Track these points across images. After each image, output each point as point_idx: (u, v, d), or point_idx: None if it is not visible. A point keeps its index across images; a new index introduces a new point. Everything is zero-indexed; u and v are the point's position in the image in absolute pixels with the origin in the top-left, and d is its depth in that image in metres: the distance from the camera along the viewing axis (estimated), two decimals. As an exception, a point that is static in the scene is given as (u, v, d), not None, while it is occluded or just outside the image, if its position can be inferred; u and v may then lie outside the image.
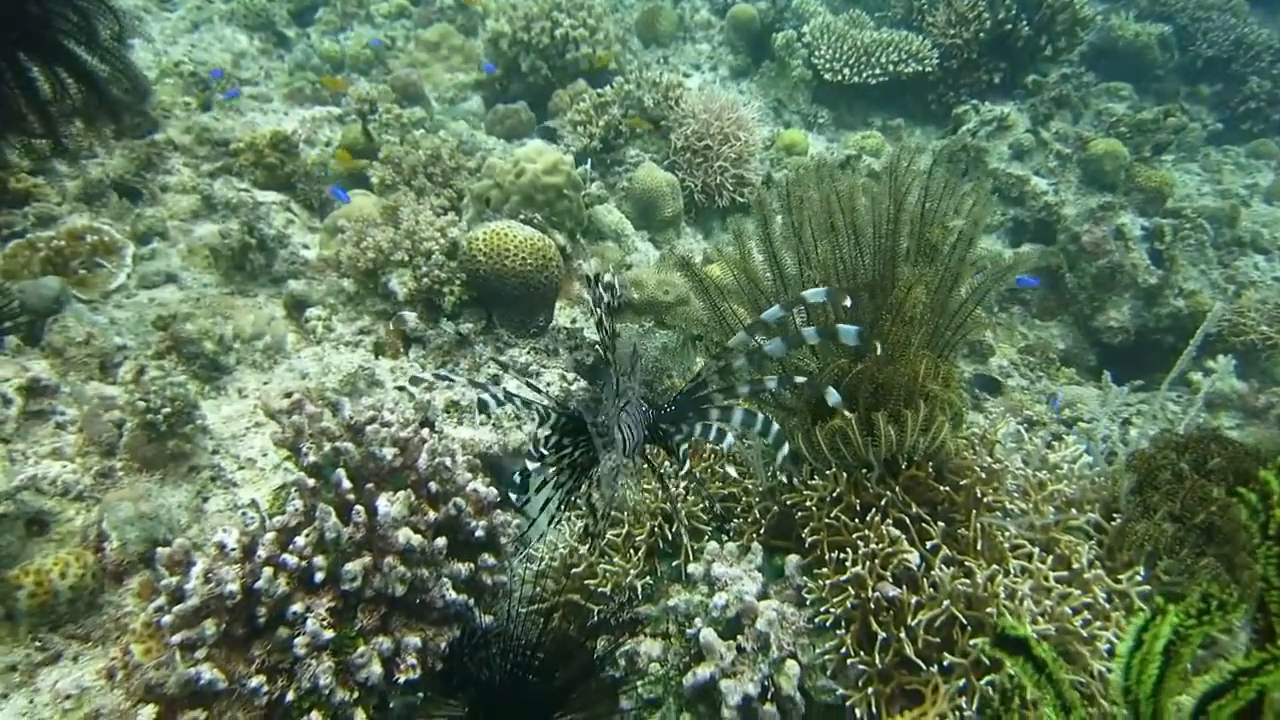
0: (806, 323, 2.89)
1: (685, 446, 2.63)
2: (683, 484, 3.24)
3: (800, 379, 2.53)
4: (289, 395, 3.55)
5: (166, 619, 2.51)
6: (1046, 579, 2.67)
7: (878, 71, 9.87)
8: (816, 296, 2.44)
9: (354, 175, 7.26)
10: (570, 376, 5.01)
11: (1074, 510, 2.88)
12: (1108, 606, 2.64)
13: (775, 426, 2.40)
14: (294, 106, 8.83)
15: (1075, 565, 2.71)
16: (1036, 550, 2.73)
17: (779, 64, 10.39)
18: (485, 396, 2.57)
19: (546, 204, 6.26)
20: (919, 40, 9.85)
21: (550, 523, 2.79)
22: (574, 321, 5.93)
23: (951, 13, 9.90)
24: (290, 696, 2.49)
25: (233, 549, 2.57)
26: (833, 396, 2.35)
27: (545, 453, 2.63)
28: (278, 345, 4.65)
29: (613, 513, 3.00)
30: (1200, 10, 11.80)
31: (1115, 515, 2.95)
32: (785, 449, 2.35)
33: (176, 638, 2.47)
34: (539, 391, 2.89)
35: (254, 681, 2.45)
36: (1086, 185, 9.11)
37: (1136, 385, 5.58)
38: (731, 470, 3.14)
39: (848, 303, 2.65)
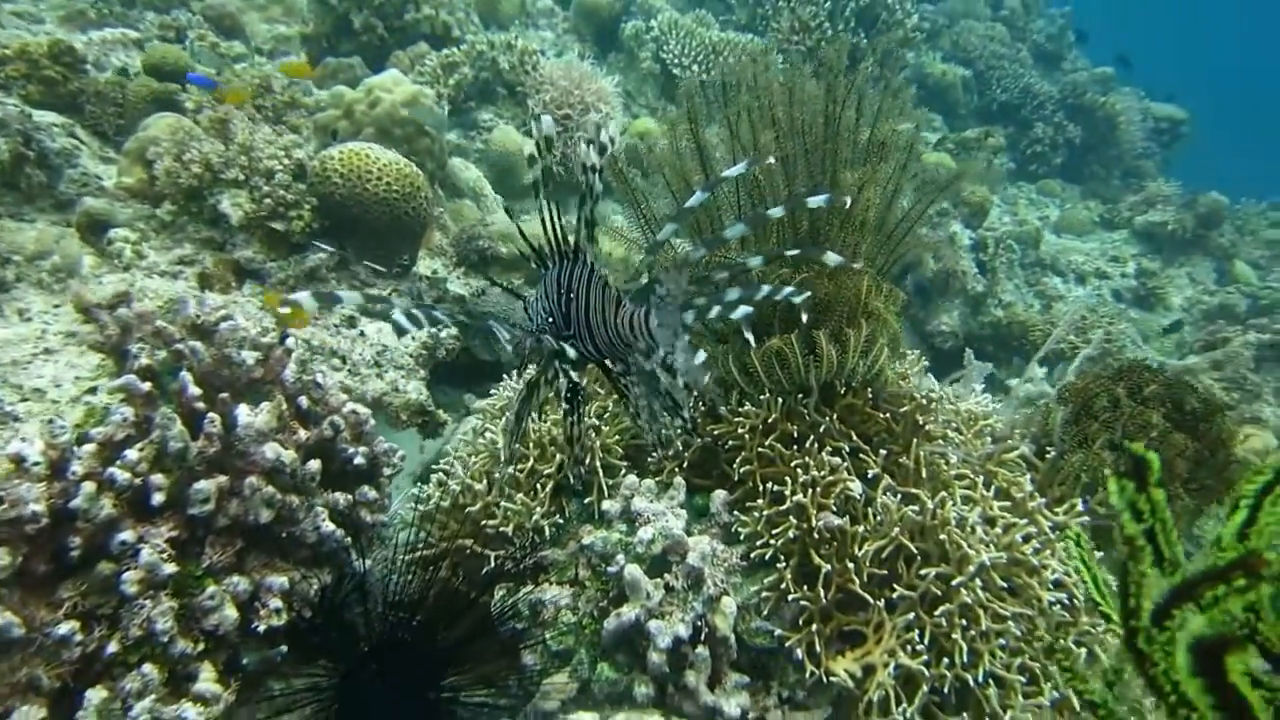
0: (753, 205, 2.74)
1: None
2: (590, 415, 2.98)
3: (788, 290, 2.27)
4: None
5: (-64, 552, 1.98)
6: (991, 508, 2.64)
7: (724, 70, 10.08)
8: (735, 171, 2.26)
9: (161, 101, 6.48)
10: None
11: (1010, 441, 2.88)
12: (1052, 537, 2.64)
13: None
14: (74, 31, 7.83)
15: (1018, 495, 2.70)
16: (980, 480, 2.70)
17: (628, 55, 10.41)
18: (399, 317, 2.04)
19: (405, 140, 5.82)
20: (763, 45, 10.18)
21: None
22: (435, 273, 5.53)
23: (795, 20, 10.32)
24: (113, 648, 2.03)
25: (35, 462, 2.07)
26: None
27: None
28: (70, 267, 3.98)
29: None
30: (993, 58, 13.40)
31: (1045, 452, 2.98)
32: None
33: (-48, 574, 1.95)
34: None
35: (63, 628, 1.98)
36: (917, 195, 9.87)
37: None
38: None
39: (770, 160, 2.51)
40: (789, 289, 2.01)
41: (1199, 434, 2.80)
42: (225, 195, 4.47)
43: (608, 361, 2.35)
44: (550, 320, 2.21)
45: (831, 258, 2.06)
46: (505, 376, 3.39)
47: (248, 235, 4.43)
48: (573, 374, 2.29)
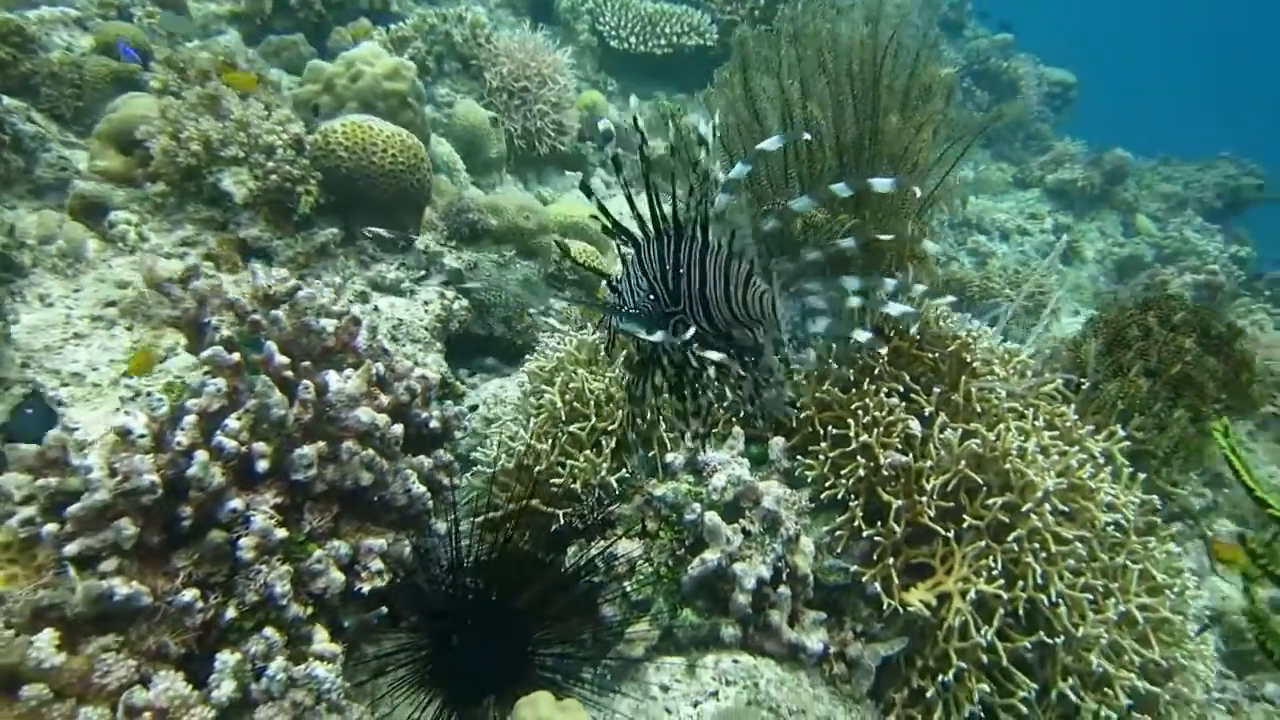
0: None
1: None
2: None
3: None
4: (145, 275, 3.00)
5: (49, 529, 2.03)
6: (1043, 438, 2.82)
7: (662, 42, 10.13)
8: (773, 144, 2.22)
9: (122, 81, 6.36)
10: (450, 294, 4.68)
11: (1047, 375, 3.07)
12: (1101, 462, 2.84)
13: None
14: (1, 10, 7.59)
15: (1065, 425, 2.89)
16: (1030, 411, 2.88)
17: (564, 27, 10.41)
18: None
19: (389, 114, 5.80)
20: (699, 14, 10.25)
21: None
22: (427, 247, 5.56)
23: None
24: (230, 613, 2.11)
25: (141, 435, 2.12)
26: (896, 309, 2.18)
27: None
28: (77, 252, 3.95)
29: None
30: (905, 26, 13.77)
31: (1078, 385, 3.18)
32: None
33: (72, 547, 2.01)
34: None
35: (186, 596, 2.05)
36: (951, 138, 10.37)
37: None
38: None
39: (806, 136, 2.59)
40: (922, 286, 2.02)
41: (1225, 357, 3.01)
42: (226, 173, 4.45)
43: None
44: (651, 296, 2.23)
45: (930, 246, 2.14)
46: (548, 339, 3.47)
47: (252, 213, 4.43)
48: (711, 356, 2.26)
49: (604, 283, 2.43)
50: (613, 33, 10.09)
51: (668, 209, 2.23)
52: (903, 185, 2.16)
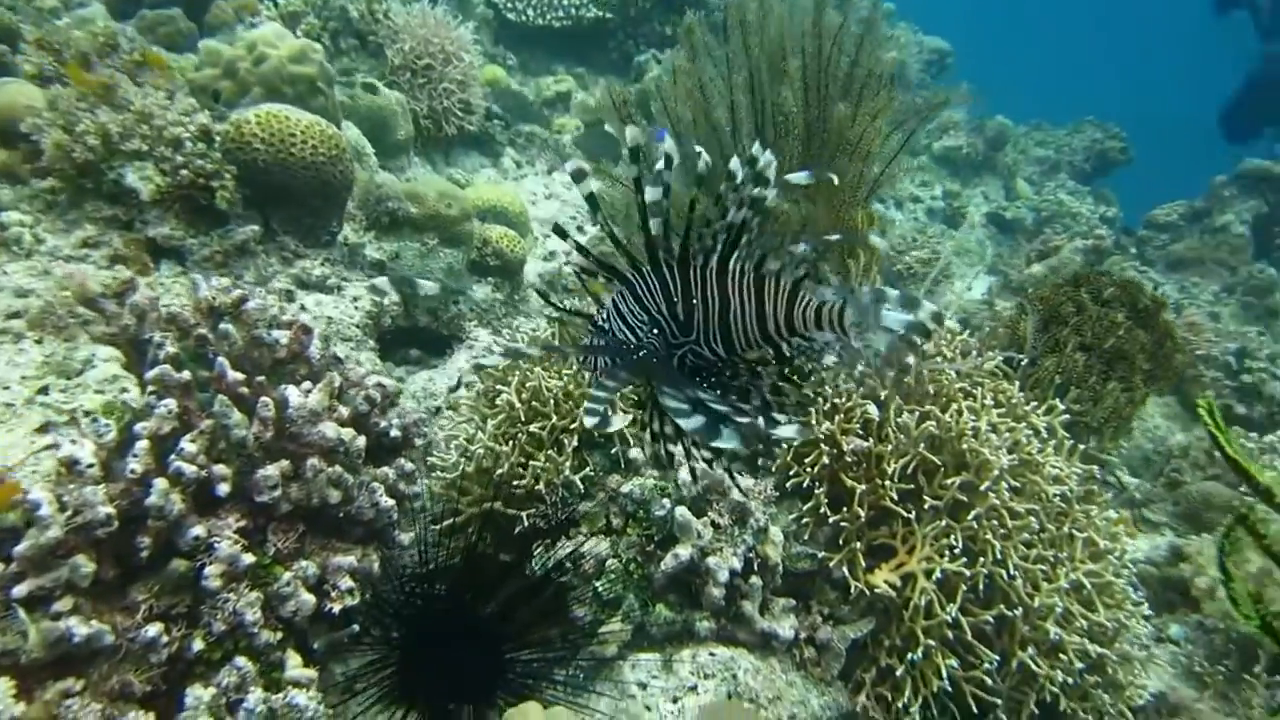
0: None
1: None
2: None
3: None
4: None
5: (-7, 570, 1.90)
6: (992, 415, 2.92)
7: (560, 14, 10.00)
8: (672, 150, 2.00)
9: (-10, 66, 5.91)
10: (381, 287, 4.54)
11: (990, 354, 3.18)
12: (1045, 436, 2.97)
13: None
14: None
15: (1012, 400, 3.01)
16: (978, 390, 2.98)
17: (457, 1, 10.21)
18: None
19: (298, 100, 5.56)
20: None
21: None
22: (345, 239, 5.39)
23: None
24: (197, 645, 2.02)
25: (89, 464, 2.00)
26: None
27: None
28: (-33, 259, 3.67)
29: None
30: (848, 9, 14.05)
31: (1017, 360, 3.31)
32: None
33: (21, 589, 1.88)
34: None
35: (150, 630, 1.95)
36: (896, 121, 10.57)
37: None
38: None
39: (704, 156, 2.48)
40: (896, 292, 1.89)
41: (1151, 329, 3.18)
42: (129, 168, 4.19)
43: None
44: (655, 331, 2.04)
45: (879, 242, 2.09)
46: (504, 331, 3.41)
47: (161, 211, 4.18)
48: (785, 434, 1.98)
49: (588, 324, 2.22)
50: (509, 5, 9.91)
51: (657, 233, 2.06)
52: (817, 178, 2.05)
